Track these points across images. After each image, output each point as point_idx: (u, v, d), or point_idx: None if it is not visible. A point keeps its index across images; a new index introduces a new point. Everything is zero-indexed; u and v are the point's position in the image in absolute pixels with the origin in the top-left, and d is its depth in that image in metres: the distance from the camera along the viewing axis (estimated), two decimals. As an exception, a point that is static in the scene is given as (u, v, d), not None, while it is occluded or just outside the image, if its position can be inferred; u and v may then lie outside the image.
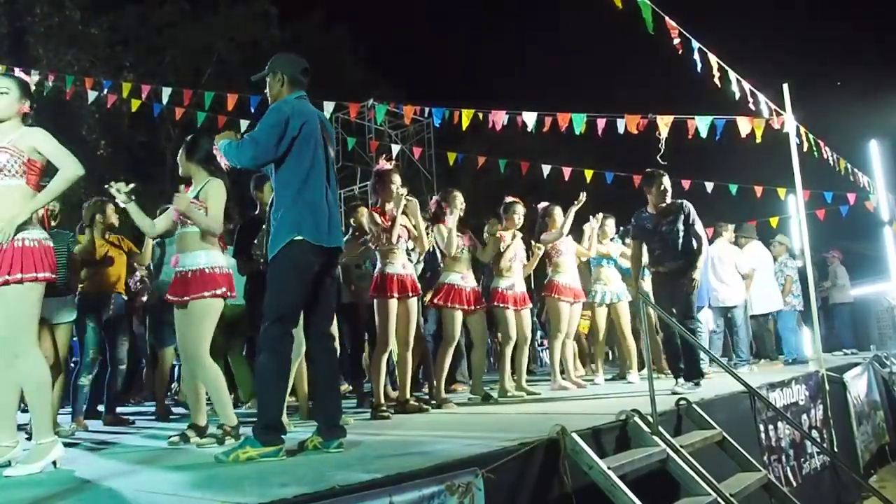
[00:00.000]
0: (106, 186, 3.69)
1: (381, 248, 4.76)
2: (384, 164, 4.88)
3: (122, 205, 3.73)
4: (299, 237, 3.00)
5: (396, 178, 4.79)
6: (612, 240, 6.94)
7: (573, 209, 6.03)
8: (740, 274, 7.63)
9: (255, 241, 4.61)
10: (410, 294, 4.75)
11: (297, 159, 3.07)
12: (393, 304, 4.63)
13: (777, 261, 8.37)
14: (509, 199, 6.04)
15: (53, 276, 2.96)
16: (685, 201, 5.53)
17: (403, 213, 4.79)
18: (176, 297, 3.58)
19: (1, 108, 3.02)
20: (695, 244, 5.39)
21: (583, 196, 6.04)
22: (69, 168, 2.98)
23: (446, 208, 5.31)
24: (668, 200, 5.52)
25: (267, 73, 3.29)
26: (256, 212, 4.93)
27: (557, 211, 6.15)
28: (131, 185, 3.65)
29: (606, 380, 6.81)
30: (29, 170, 2.99)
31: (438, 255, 5.54)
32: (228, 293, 3.59)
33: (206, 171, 3.69)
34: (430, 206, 5.55)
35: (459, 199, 5.35)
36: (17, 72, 8.37)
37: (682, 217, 5.42)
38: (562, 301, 6.18)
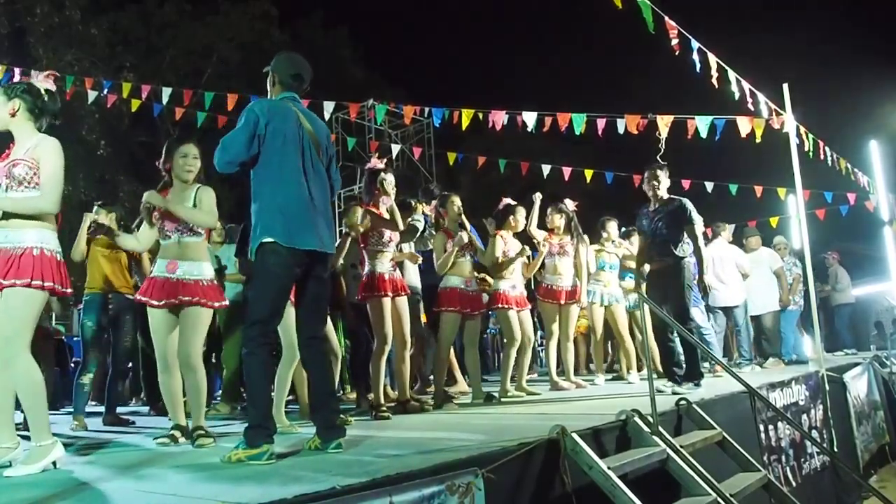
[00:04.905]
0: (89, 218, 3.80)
1: (370, 249, 4.75)
2: (376, 163, 4.87)
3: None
4: (270, 239, 3.00)
5: (389, 177, 4.79)
6: (613, 242, 6.94)
7: (534, 208, 6.09)
8: (741, 274, 7.62)
9: None
10: (401, 293, 4.76)
11: (267, 159, 3.07)
12: (387, 301, 4.62)
13: (784, 260, 8.35)
14: (510, 202, 6.01)
15: (58, 288, 2.93)
16: (684, 199, 5.47)
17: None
18: (172, 301, 3.59)
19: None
20: (688, 246, 5.36)
21: (536, 196, 6.13)
22: (44, 200, 2.91)
23: (445, 214, 5.33)
24: (664, 196, 5.49)
25: (267, 70, 3.35)
26: None
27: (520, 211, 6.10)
28: (100, 219, 3.72)
29: (606, 380, 6.81)
30: None
31: (435, 259, 5.50)
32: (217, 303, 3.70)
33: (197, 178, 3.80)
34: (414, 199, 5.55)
35: (457, 204, 5.36)
36: (17, 72, 8.38)
37: (674, 215, 5.38)
38: (547, 303, 6.21)
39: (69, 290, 3.02)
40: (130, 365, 5.54)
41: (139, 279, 5.99)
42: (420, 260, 5.39)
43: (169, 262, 3.66)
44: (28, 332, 2.90)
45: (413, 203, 5.34)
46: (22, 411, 3.09)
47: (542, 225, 6.35)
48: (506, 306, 5.65)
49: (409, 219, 5.19)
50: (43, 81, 3.11)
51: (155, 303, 3.59)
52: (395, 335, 4.73)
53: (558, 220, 6.31)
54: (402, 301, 4.78)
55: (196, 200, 3.67)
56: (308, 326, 3.20)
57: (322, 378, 3.19)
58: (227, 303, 3.83)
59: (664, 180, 5.51)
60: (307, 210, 3.08)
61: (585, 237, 6.51)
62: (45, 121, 3.09)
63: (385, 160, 5.15)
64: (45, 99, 3.08)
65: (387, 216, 4.72)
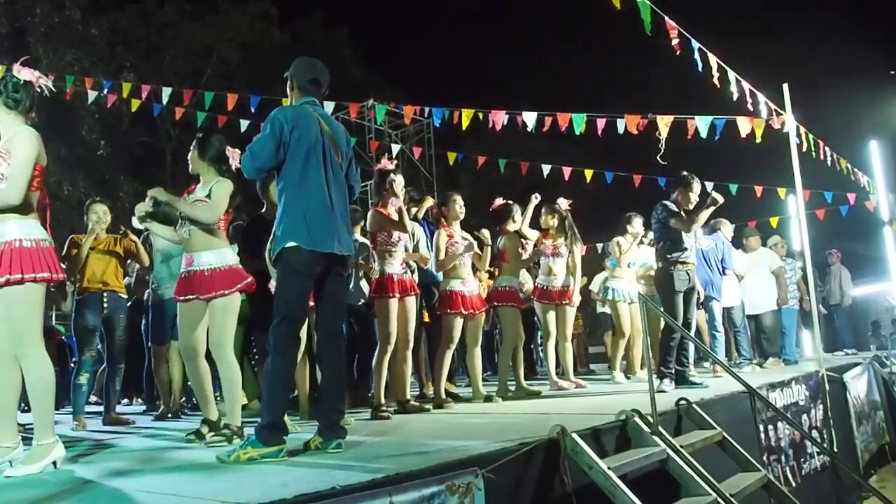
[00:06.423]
0: (138, 213, 3.75)
1: (379, 250, 4.76)
2: (387, 164, 4.91)
3: (139, 225, 3.85)
4: (293, 243, 3.06)
5: (399, 178, 4.84)
6: (635, 238, 6.91)
7: (529, 207, 6.11)
8: (735, 275, 7.60)
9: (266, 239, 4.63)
10: (410, 293, 4.78)
11: (290, 165, 3.14)
12: (394, 303, 4.65)
13: (783, 259, 8.33)
14: (503, 202, 6.01)
15: (54, 276, 2.92)
16: None
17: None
18: (193, 296, 3.61)
19: None
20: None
21: (535, 196, 6.14)
22: (8, 192, 2.84)
23: (446, 213, 5.34)
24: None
25: (287, 75, 3.40)
26: (263, 210, 4.92)
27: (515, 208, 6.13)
28: (150, 203, 3.64)
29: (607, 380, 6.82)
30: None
31: (434, 259, 5.49)
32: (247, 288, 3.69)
33: (217, 170, 3.77)
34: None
35: (459, 203, 5.38)
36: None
37: None
38: (543, 304, 6.22)
39: (62, 276, 3.00)
40: (121, 366, 5.51)
41: (136, 277, 6.02)
42: (430, 263, 5.41)
43: (186, 256, 3.72)
44: (35, 327, 2.89)
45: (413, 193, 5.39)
46: (26, 411, 3.10)
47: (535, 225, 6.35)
48: (512, 304, 5.71)
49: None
50: (21, 72, 3.05)
51: (181, 298, 3.67)
52: (398, 335, 4.74)
53: (552, 221, 6.26)
54: (411, 301, 4.80)
55: (210, 193, 3.68)
56: (328, 323, 3.25)
57: (335, 375, 3.24)
58: (242, 284, 3.67)
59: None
60: (328, 215, 3.15)
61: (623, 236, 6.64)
62: (30, 114, 3.06)
63: (395, 162, 5.18)
64: (28, 91, 3.03)
65: (395, 217, 4.74)
